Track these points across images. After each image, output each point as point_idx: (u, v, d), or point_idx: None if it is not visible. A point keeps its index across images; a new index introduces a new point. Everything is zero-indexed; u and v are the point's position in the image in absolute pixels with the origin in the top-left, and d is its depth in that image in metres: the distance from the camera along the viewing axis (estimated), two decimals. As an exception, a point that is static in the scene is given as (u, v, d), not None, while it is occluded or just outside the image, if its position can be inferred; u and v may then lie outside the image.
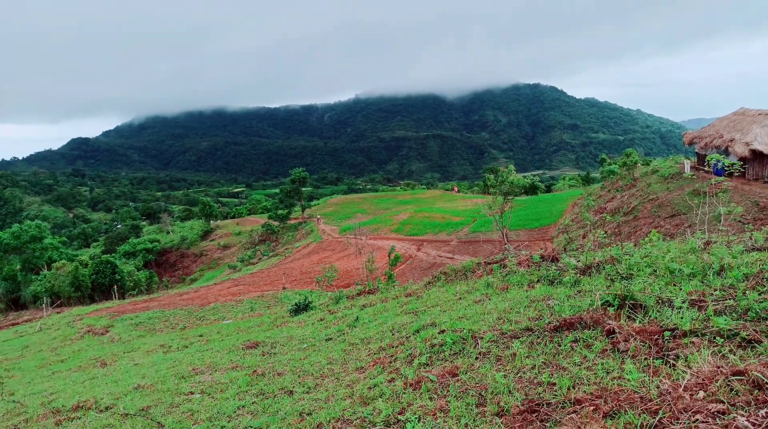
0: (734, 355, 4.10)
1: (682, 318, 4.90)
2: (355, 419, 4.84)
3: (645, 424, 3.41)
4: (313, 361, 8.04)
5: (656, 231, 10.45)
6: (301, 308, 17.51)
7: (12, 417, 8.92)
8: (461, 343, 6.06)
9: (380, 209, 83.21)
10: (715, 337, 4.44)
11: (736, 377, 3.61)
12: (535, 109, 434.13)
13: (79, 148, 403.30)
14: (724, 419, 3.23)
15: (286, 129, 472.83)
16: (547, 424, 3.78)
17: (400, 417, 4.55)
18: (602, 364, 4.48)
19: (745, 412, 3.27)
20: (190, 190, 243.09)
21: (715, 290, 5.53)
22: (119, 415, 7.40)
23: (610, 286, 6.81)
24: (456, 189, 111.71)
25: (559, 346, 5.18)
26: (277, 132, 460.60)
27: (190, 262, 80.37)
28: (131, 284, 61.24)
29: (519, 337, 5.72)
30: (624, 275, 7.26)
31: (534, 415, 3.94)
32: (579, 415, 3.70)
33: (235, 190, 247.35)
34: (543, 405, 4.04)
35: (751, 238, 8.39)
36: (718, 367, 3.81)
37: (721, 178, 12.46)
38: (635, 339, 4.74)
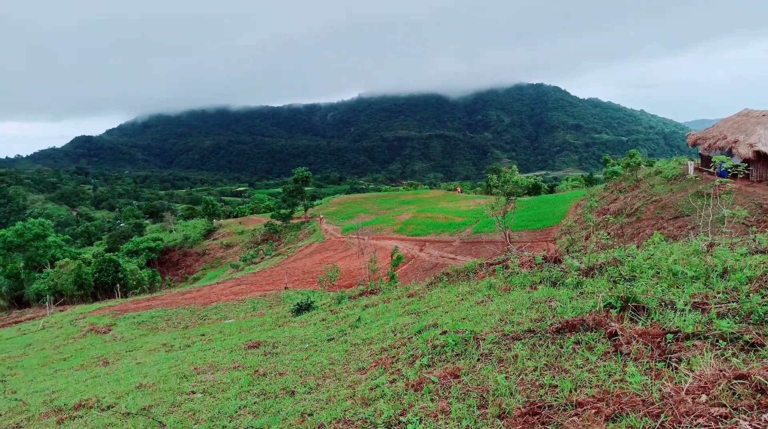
0: (737, 358, 4.09)
1: (684, 321, 4.89)
2: (357, 420, 4.84)
3: (647, 427, 3.40)
4: (314, 361, 8.04)
5: (659, 233, 10.42)
6: (303, 308, 17.51)
7: (14, 415, 8.95)
8: (463, 344, 6.06)
9: (383, 209, 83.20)
10: (717, 341, 4.42)
11: (738, 381, 3.60)
12: (538, 109, 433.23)
13: (82, 146, 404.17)
14: (726, 423, 3.22)
15: (289, 128, 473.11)
16: (549, 427, 3.77)
17: (401, 418, 4.54)
18: (604, 366, 4.48)
19: (748, 416, 3.25)
20: (193, 189, 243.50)
21: (718, 293, 5.52)
22: (121, 414, 7.42)
23: (612, 288, 6.80)
24: (459, 189, 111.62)
25: (561, 348, 5.17)
26: (280, 131, 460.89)
27: (193, 261, 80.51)
28: (134, 283, 61.38)
29: (521, 339, 5.72)
30: (627, 277, 7.24)
31: (535, 418, 3.93)
32: (581, 418, 3.69)
33: (238, 189, 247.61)
34: (544, 407, 4.03)
35: (754, 241, 8.36)
36: (721, 371, 3.80)
37: (725, 180, 12.41)
38: (638, 341, 4.73)
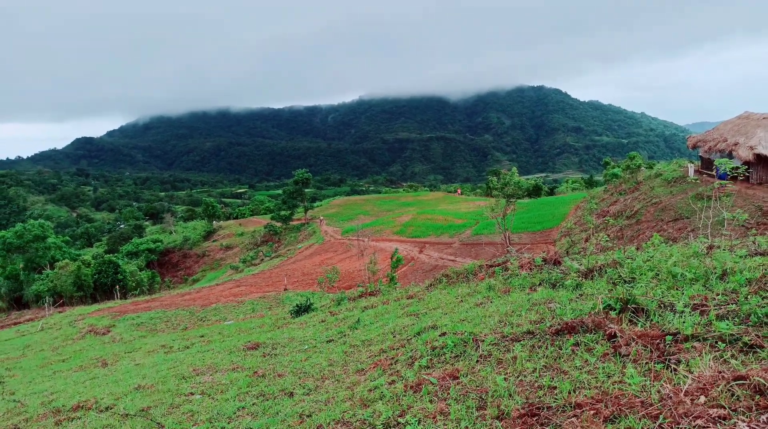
0: (736, 360, 4.08)
1: (684, 322, 4.88)
2: (355, 421, 4.83)
3: (645, 428, 3.39)
4: (313, 362, 8.03)
5: (659, 235, 10.43)
6: (302, 309, 17.51)
7: (12, 416, 8.94)
8: (462, 345, 6.05)
9: (383, 211, 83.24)
10: (716, 342, 4.42)
11: (737, 382, 3.59)
12: (538, 111, 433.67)
13: (83, 147, 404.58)
14: (725, 424, 3.22)
15: (290, 130, 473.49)
16: (547, 428, 3.76)
17: (400, 420, 4.54)
18: (603, 368, 4.47)
19: (746, 417, 3.25)
20: (193, 191, 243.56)
21: (718, 295, 5.51)
22: (119, 416, 7.41)
23: (612, 289, 6.79)
24: (459, 191, 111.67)
25: (561, 349, 5.16)
26: (280, 133, 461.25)
27: (193, 263, 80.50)
28: (133, 284, 61.38)
29: (520, 341, 5.71)
30: (626, 279, 7.23)
31: (534, 419, 3.92)
32: (579, 420, 3.69)
33: (239, 191, 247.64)
34: (543, 409, 4.02)
35: (754, 243, 8.36)
36: (720, 372, 3.79)
37: (725, 182, 12.42)
38: (637, 343, 4.72)
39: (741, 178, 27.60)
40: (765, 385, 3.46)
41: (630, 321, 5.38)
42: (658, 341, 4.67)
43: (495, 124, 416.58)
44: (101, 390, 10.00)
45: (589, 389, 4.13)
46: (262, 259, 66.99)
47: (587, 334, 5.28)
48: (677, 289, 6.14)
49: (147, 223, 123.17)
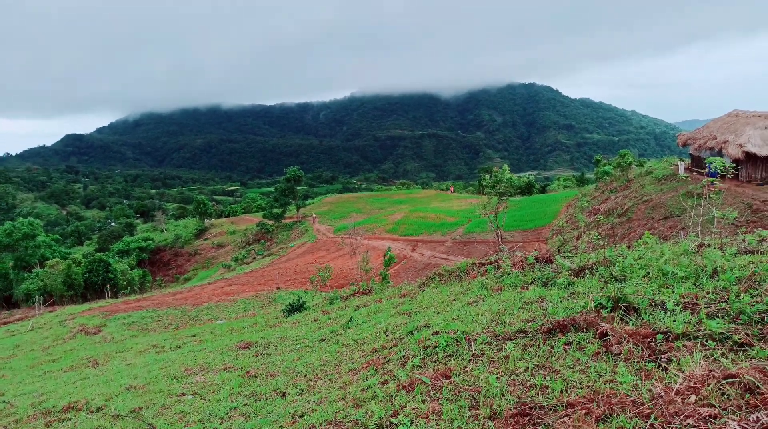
0: (726, 358, 4.11)
1: (674, 321, 4.91)
2: (348, 422, 4.83)
3: (637, 428, 3.41)
4: (306, 362, 8.02)
5: (650, 233, 10.49)
6: (295, 308, 17.47)
7: (1, 418, 8.86)
8: (455, 344, 6.06)
9: (375, 209, 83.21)
10: (707, 341, 4.44)
11: (727, 381, 3.62)
12: (530, 108, 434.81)
13: (72, 144, 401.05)
14: (715, 423, 3.24)
15: (282, 127, 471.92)
16: (539, 428, 3.77)
17: (392, 419, 4.53)
18: (595, 367, 4.49)
19: (737, 416, 3.27)
20: (184, 188, 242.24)
21: (708, 293, 5.55)
22: (110, 417, 7.36)
23: (603, 288, 6.82)
24: (452, 189, 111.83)
25: (552, 348, 5.18)
26: (272, 130, 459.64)
27: (184, 261, 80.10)
28: (124, 283, 60.98)
29: (512, 339, 5.72)
30: (617, 277, 7.27)
31: (526, 419, 3.93)
32: (571, 419, 3.70)
33: (230, 189, 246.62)
34: (535, 408, 4.03)
35: (743, 241, 8.43)
36: (710, 371, 3.82)
37: (713, 179, 12.51)
38: (628, 342, 4.74)
39: (730, 176, 27.82)
40: (755, 383, 3.49)
41: (621, 319, 5.40)
42: (649, 340, 4.69)
43: (487, 122, 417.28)
44: (92, 390, 9.94)
45: (581, 388, 4.14)
46: (254, 258, 66.78)
47: (579, 333, 5.30)
48: (668, 287, 6.17)
49: (138, 221, 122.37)
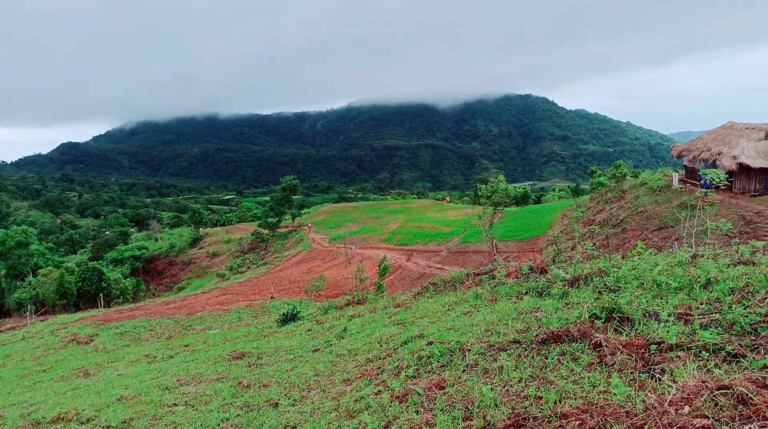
0: (719, 369, 4.11)
1: (668, 331, 4.91)
2: (340, 433, 4.79)
3: (631, 439, 3.39)
4: (299, 372, 7.96)
5: (644, 243, 10.51)
6: (289, 318, 17.39)
7: (-10, 428, 8.74)
8: (449, 355, 6.03)
9: (371, 218, 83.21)
10: (700, 351, 4.44)
11: (721, 392, 3.61)
12: (526, 119, 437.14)
13: (68, 152, 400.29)
14: (709, 435, 3.22)
15: (278, 136, 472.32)
16: (533, 439, 3.75)
17: (385, 431, 4.50)
18: (589, 377, 4.47)
19: (730, 427, 3.26)
20: (180, 197, 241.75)
21: (702, 304, 5.55)
22: (100, 428, 7.28)
23: (597, 298, 6.81)
24: (448, 199, 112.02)
25: (547, 359, 5.16)
26: (268, 139, 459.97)
27: (178, 270, 79.72)
28: (117, 292, 60.56)
29: (506, 350, 5.70)
30: (612, 288, 7.27)
31: (520, 430, 3.91)
32: (565, 430, 3.68)
33: (226, 198, 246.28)
34: (529, 419, 4.01)
35: (737, 252, 8.45)
36: (704, 382, 3.81)
37: (707, 191, 12.60)
38: (622, 352, 4.73)
39: (724, 188, 27.97)
40: (748, 394, 3.48)
41: (615, 330, 5.40)
42: (642, 350, 4.69)
43: (483, 132, 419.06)
44: (82, 401, 9.83)
45: (575, 399, 4.12)
46: (249, 267, 66.54)
47: (573, 344, 5.28)
48: (662, 298, 6.18)
49: (132, 229, 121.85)
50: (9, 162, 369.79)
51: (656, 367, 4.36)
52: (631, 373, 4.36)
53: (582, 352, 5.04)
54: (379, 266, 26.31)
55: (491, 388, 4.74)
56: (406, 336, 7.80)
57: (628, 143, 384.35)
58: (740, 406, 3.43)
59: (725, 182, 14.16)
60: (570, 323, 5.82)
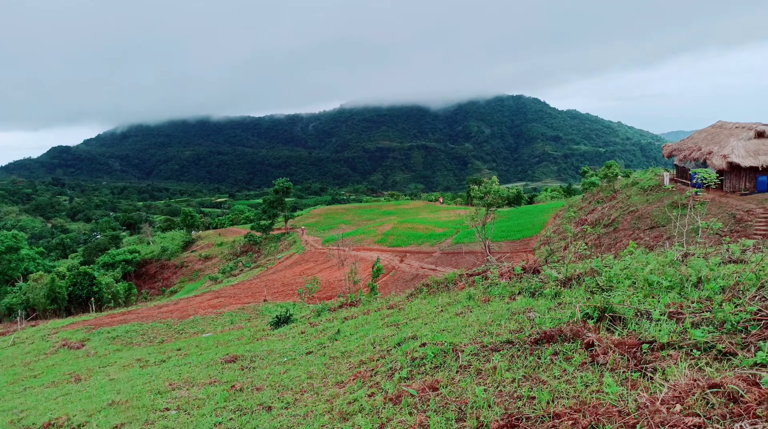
0: (710, 367, 4.12)
1: (660, 330, 4.93)
2: (333, 435, 4.77)
3: (623, 438, 3.40)
4: (292, 375, 7.93)
5: (635, 243, 10.57)
6: (282, 321, 17.33)
7: (-20, 435, 8.65)
8: (442, 356, 6.03)
9: (364, 220, 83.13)
10: (692, 350, 4.46)
11: (712, 390, 3.62)
12: (518, 120, 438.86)
13: (59, 156, 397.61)
14: (700, 433, 3.23)
15: (271, 139, 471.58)
16: (526, 440, 3.74)
17: (378, 433, 4.48)
18: (581, 377, 4.48)
19: (721, 425, 3.27)
20: (172, 200, 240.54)
21: (693, 302, 5.58)
22: (92, 433, 7.21)
23: (590, 298, 6.83)
24: (441, 200, 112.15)
25: (539, 359, 5.16)
26: (261, 141, 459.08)
27: (171, 274, 79.25)
28: (109, 296, 60.08)
29: (499, 350, 5.70)
30: (604, 287, 7.29)
31: (513, 431, 3.90)
32: (558, 430, 3.68)
33: (218, 200, 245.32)
34: (522, 419, 4.01)
35: (727, 251, 8.51)
36: (695, 380, 3.82)
37: (697, 190, 12.72)
38: (614, 352, 4.74)
39: (715, 187, 28.16)
40: (739, 392, 3.49)
41: (607, 329, 5.41)
42: (634, 349, 4.70)
43: (475, 133, 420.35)
44: (73, 407, 9.74)
45: (568, 399, 4.13)
46: (242, 270, 66.29)
47: (565, 343, 5.29)
48: (653, 297, 6.20)
49: (124, 233, 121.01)
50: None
51: (648, 366, 4.37)
52: (624, 372, 4.38)
53: (574, 352, 5.04)
54: (373, 268, 26.27)
55: (484, 389, 4.73)
56: (400, 337, 7.79)
57: (619, 143, 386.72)
58: (731, 404, 3.45)
59: (716, 181, 14.28)
60: (562, 323, 5.83)
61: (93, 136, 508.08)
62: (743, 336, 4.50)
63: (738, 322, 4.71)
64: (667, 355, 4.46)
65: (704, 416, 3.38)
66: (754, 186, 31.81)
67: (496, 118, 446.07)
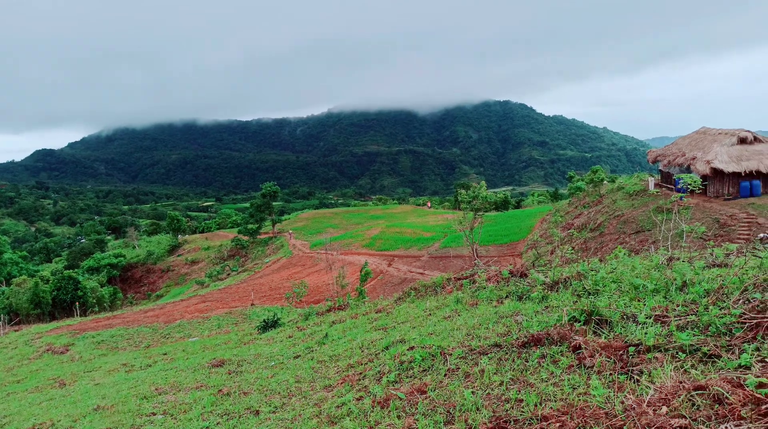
0: (696, 370, 4.18)
1: (646, 333, 4.98)
2: (322, 439, 4.75)
3: (610, 440, 3.42)
4: (280, 379, 7.89)
5: (621, 247, 10.67)
6: (269, 325, 17.24)
7: (-40, 442, 8.49)
8: (430, 359, 6.03)
9: (352, 224, 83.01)
10: (677, 352, 4.51)
11: (697, 392, 3.67)
12: (505, 125, 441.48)
13: (43, 159, 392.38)
14: (686, 434, 3.27)
15: (258, 142, 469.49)
16: (515, 442, 3.76)
17: (367, 437, 4.48)
18: (569, 380, 4.51)
19: (706, 427, 3.31)
20: (158, 204, 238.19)
21: (678, 306, 5.64)
22: (76, 439, 7.11)
23: (576, 301, 6.89)
24: (429, 204, 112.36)
25: (527, 362, 5.19)
26: (248, 145, 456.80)
27: (157, 278, 78.47)
28: (94, 301, 59.36)
29: (487, 354, 5.72)
30: (590, 291, 7.36)
31: (501, 433, 3.92)
32: (546, 433, 3.70)
33: (205, 204, 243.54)
34: (510, 422, 4.03)
35: (712, 255, 8.62)
36: (681, 383, 3.87)
37: (682, 195, 12.89)
38: (601, 354, 4.78)
39: (698, 192, 28.56)
40: (724, 394, 3.54)
41: (594, 332, 5.46)
42: (621, 352, 4.74)
43: (462, 138, 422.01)
44: (58, 412, 9.60)
45: (555, 401, 4.16)
46: (229, 274, 65.84)
47: (553, 346, 5.33)
48: (639, 300, 6.27)
49: (109, 237, 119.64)
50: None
51: (634, 368, 4.42)
52: (610, 374, 4.41)
53: (562, 355, 5.08)
54: (361, 272, 26.24)
55: (472, 392, 4.75)
56: (388, 341, 7.79)
57: (605, 148, 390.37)
58: (716, 406, 3.49)
59: (700, 186, 14.46)
60: (550, 326, 5.87)
61: (78, 139, 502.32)
62: (728, 339, 4.56)
63: (722, 325, 4.77)
64: (653, 357, 4.51)
65: (690, 418, 3.42)
66: (737, 191, 32.29)
67: (484, 123, 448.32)
